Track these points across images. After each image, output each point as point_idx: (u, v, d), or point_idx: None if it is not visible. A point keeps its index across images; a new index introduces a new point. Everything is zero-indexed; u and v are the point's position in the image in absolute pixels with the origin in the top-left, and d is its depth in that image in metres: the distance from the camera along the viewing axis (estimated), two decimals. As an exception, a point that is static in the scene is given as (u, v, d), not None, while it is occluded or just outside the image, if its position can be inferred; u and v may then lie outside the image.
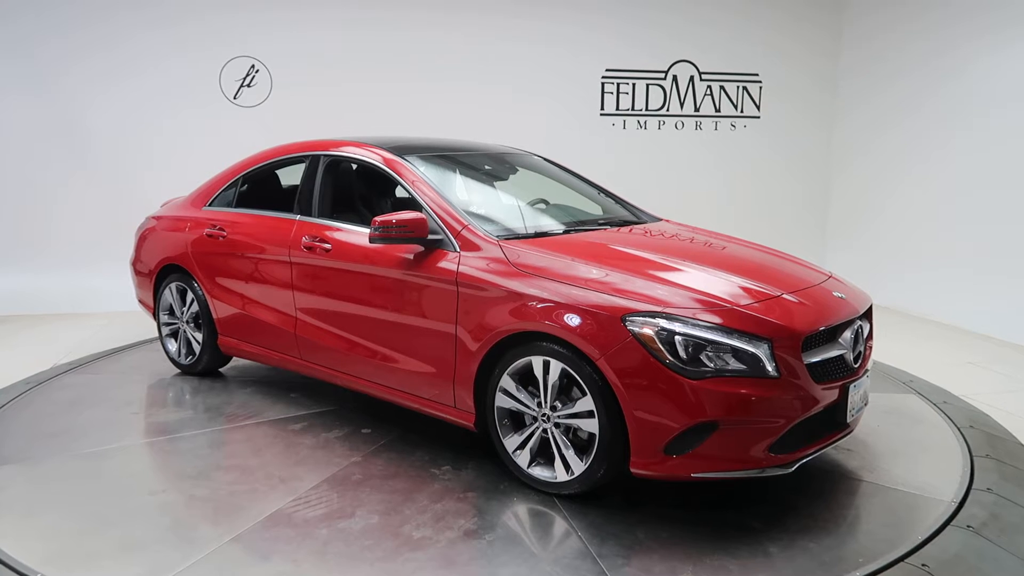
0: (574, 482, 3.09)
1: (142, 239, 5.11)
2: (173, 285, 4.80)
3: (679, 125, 7.93)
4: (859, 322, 3.29)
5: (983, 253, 6.37)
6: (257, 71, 7.04)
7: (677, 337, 2.81)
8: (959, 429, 4.01)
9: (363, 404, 4.26)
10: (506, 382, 3.21)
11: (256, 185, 4.66)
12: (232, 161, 4.82)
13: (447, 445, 3.72)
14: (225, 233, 4.46)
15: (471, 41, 7.35)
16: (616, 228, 3.94)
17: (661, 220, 4.32)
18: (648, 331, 2.83)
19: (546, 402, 3.12)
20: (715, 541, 2.86)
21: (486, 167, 4.43)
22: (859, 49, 7.85)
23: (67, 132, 6.81)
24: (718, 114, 7.99)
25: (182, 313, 4.79)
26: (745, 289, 3.10)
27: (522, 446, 3.23)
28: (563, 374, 3.03)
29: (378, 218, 3.44)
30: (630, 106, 7.79)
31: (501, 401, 3.24)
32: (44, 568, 2.69)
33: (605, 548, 2.81)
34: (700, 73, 7.88)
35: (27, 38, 6.61)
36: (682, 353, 2.80)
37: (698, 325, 2.84)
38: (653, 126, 7.87)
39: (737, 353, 2.81)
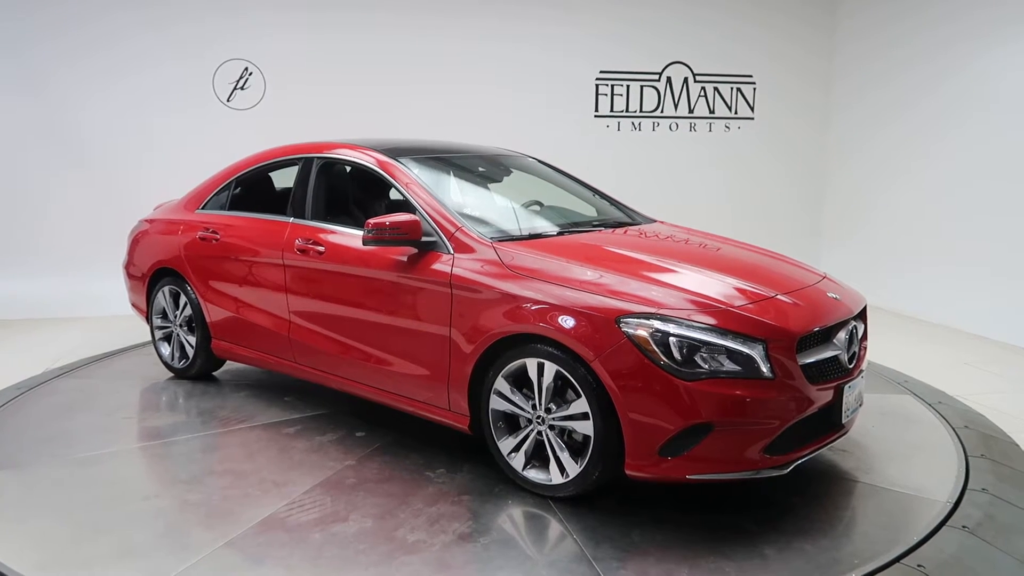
0: (569, 484, 3.08)
1: (135, 242, 5.09)
2: (166, 288, 4.78)
3: (673, 127, 7.94)
4: (854, 323, 3.29)
5: (978, 253, 6.38)
6: (251, 74, 7.03)
7: (672, 338, 2.80)
8: (954, 429, 4.01)
9: (357, 407, 4.24)
10: (500, 384, 3.19)
11: (249, 188, 4.64)
12: (225, 164, 4.81)
13: (442, 448, 3.71)
14: (218, 236, 4.44)
15: (465, 43, 7.35)
16: (610, 230, 3.93)
17: (655, 221, 4.31)
18: (642, 332, 2.82)
19: (541, 404, 3.11)
20: (711, 543, 2.85)
21: (480, 169, 4.42)
22: (852, 48, 7.87)
23: (59, 134, 6.79)
24: (712, 115, 8.00)
25: (175, 317, 4.77)
26: (740, 290, 3.10)
27: (517, 448, 3.22)
28: (557, 376, 3.02)
29: (372, 220, 3.43)
30: (624, 108, 7.79)
31: (495, 403, 3.23)
32: (36, 574, 2.67)
33: (600, 551, 2.80)
34: (694, 75, 7.89)
35: (19, 38, 6.58)
36: (677, 354, 2.79)
37: (693, 326, 2.83)
38: (647, 128, 7.88)
39: (732, 354, 2.81)
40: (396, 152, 3.99)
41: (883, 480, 3.41)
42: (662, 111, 7.89)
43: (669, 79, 7.85)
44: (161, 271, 4.80)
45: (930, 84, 6.88)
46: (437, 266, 3.40)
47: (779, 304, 3.07)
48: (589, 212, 4.32)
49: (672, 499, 3.18)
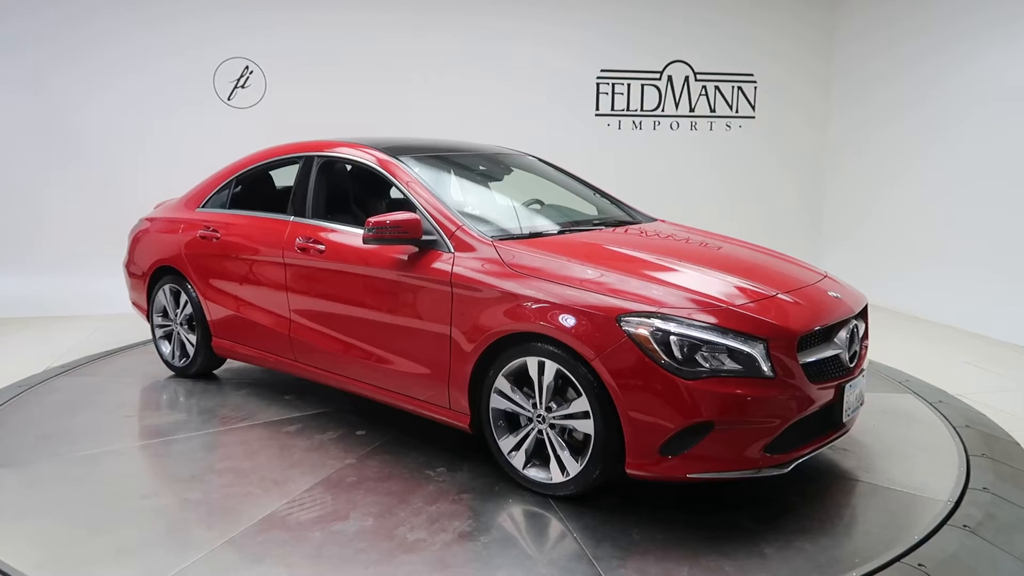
0: (569, 483, 3.08)
1: (135, 241, 5.09)
2: (167, 287, 4.78)
3: (674, 125, 7.93)
4: (854, 321, 3.28)
5: (978, 252, 6.37)
6: (251, 72, 7.02)
7: (672, 337, 2.80)
8: (955, 429, 4.00)
9: (358, 406, 4.24)
10: (501, 383, 3.19)
11: (250, 186, 4.64)
12: (226, 162, 4.81)
13: (442, 447, 3.71)
14: (219, 235, 4.44)
15: (466, 42, 7.34)
16: (611, 228, 3.93)
17: (656, 220, 4.31)
18: (643, 331, 2.82)
19: (541, 403, 3.10)
20: (711, 542, 2.85)
21: (481, 168, 4.42)
22: (853, 48, 7.86)
23: (58, 133, 6.78)
24: (713, 114, 7.99)
25: (176, 315, 4.77)
26: (740, 289, 3.10)
27: (517, 447, 3.22)
28: (558, 375, 3.02)
29: (372, 219, 3.43)
30: (625, 107, 7.78)
31: (496, 402, 3.23)
32: (36, 573, 2.67)
33: (600, 550, 2.79)
34: (695, 73, 7.88)
35: (18, 37, 6.58)
36: (677, 353, 2.79)
37: (693, 325, 2.83)
38: (648, 127, 7.87)
39: (732, 353, 2.80)
40: (397, 151, 3.99)
41: (884, 479, 3.41)
42: (663, 110, 7.88)
43: (670, 78, 7.84)
44: (162, 269, 4.80)
45: (930, 83, 6.87)
46: (437, 265, 3.40)
47: (780, 303, 3.07)
48: (590, 211, 4.32)
49: (673, 498, 3.18)
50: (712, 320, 2.85)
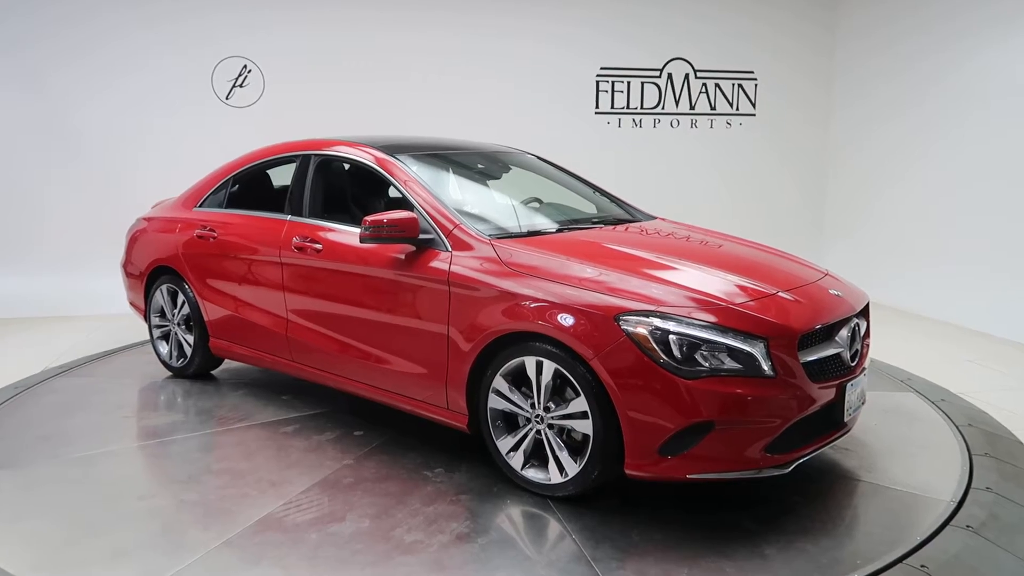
0: (568, 484, 3.05)
1: (133, 241, 5.07)
2: (164, 287, 4.76)
3: (674, 123, 7.90)
4: (856, 320, 3.25)
5: (981, 250, 6.35)
6: (250, 71, 7.01)
7: (671, 336, 2.77)
8: (958, 427, 3.98)
9: (355, 406, 4.22)
10: (499, 383, 3.17)
11: (247, 185, 4.62)
12: (224, 162, 4.79)
13: (440, 447, 3.69)
14: (216, 234, 4.42)
15: (465, 40, 7.32)
16: (610, 227, 3.90)
17: (656, 218, 4.28)
18: (642, 330, 2.79)
19: (539, 403, 3.08)
20: (711, 543, 2.83)
21: (479, 166, 4.40)
22: (854, 45, 7.83)
23: (57, 132, 6.78)
24: (714, 112, 7.97)
25: (173, 315, 4.75)
26: (741, 287, 3.07)
27: (515, 448, 3.20)
28: (556, 374, 3.00)
29: (369, 218, 3.40)
30: (625, 104, 7.76)
31: (494, 402, 3.21)
32: (32, 575, 2.64)
33: (600, 551, 2.77)
34: (695, 71, 7.85)
35: (18, 36, 6.57)
36: (676, 352, 2.76)
37: (693, 324, 2.80)
38: (648, 124, 7.84)
39: (732, 352, 2.78)
40: (394, 149, 3.96)
41: (886, 479, 3.39)
42: (663, 107, 7.85)
43: (670, 75, 7.81)
44: (159, 269, 4.78)
45: (931, 81, 6.84)
46: (435, 264, 3.37)
47: (780, 301, 3.04)
48: (589, 209, 4.29)
49: (672, 498, 3.16)
50: (712, 319, 2.82)
